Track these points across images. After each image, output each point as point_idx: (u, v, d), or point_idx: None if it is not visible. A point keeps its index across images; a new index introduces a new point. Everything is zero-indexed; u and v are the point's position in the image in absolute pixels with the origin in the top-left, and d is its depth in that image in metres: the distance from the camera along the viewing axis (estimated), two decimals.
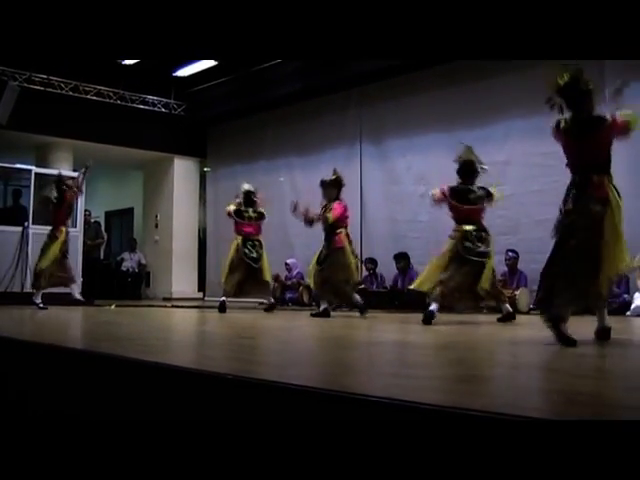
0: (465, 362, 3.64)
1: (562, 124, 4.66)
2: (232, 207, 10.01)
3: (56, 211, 10.45)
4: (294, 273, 12.57)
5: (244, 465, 2.40)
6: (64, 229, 10.38)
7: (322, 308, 8.39)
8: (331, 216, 8.24)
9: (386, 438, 2.04)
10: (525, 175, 10.61)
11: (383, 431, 2.07)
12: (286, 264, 12.76)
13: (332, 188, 8.57)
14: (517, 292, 9.52)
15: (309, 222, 8.52)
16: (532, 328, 6.92)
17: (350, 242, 8.53)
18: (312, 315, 8.34)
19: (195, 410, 2.73)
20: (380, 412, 2.13)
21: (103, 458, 2.95)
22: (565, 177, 10.04)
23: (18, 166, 12.68)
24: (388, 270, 11.80)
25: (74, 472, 3.12)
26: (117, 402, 3.18)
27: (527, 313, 9.43)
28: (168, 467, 2.70)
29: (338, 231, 8.40)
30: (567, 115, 4.66)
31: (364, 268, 11.95)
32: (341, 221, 8.47)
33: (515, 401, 2.27)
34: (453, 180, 11.42)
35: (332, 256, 8.35)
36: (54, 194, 10.31)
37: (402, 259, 11.25)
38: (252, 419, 2.44)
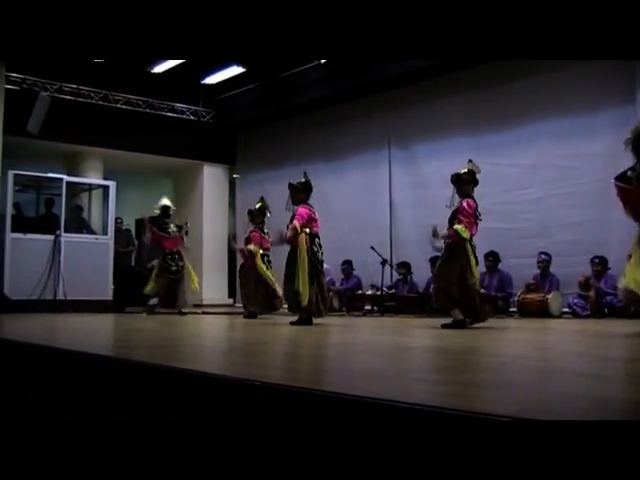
0: (493, 368, 3.62)
1: (629, 173, 4.71)
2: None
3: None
4: (327, 279, 12.52)
5: (276, 470, 2.40)
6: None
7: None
8: (297, 223, 7.97)
9: (412, 444, 2.04)
10: (553, 178, 10.54)
11: (410, 437, 2.06)
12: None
13: (300, 192, 8.33)
14: (549, 296, 9.44)
15: (288, 241, 8.21)
16: (563, 333, 6.88)
17: (310, 243, 8.07)
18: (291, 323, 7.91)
19: (224, 416, 2.74)
20: (405, 418, 2.12)
21: (133, 462, 2.98)
22: (593, 179, 9.95)
23: (50, 175, 12.84)
24: (420, 275, 11.74)
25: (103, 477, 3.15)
26: (147, 408, 3.21)
27: (559, 317, 9.36)
28: (199, 471, 2.71)
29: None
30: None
31: (395, 272, 11.93)
32: (307, 224, 8.12)
33: (546, 407, 2.25)
34: (481, 184, 11.44)
35: (288, 256, 8.13)
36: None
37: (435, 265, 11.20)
38: (283, 426, 2.44)
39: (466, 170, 7.02)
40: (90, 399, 3.67)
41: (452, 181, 7.04)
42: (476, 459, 1.88)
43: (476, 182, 7.18)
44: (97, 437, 3.25)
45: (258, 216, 10.29)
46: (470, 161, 7.19)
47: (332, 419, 2.33)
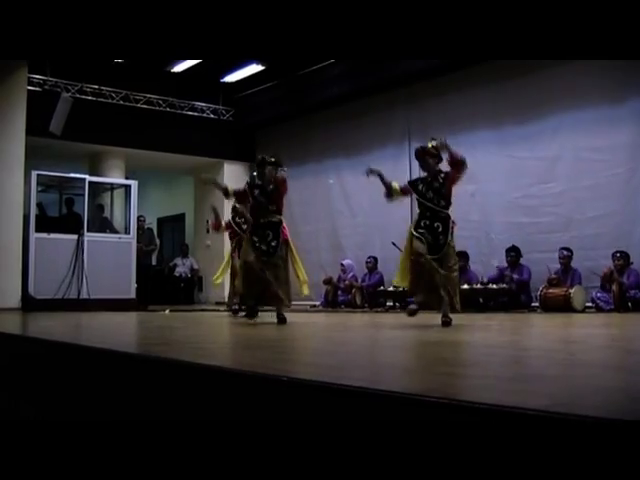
0: (522, 361, 3.61)
1: None
2: None
3: None
4: (349, 275, 12.55)
5: (305, 467, 2.40)
6: None
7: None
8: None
9: (440, 438, 2.03)
10: (576, 171, 10.45)
11: (437, 431, 2.06)
12: (342, 265, 12.75)
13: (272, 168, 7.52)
14: (572, 290, 9.38)
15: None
16: (588, 327, 6.83)
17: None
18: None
19: (247, 411, 2.75)
20: (435, 412, 2.12)
21: (160, 459, 2.99)
22: (616, 172, 9.87)
23: (72, 175, 12.93)
24: None
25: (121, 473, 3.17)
26: (171, 404, 3.22)
27: (582, 311, 9.30)
28: (227, 468, 2.72)
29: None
30: None
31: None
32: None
33: (575, 400, 2.24)
34: (501, 178, 11.38)
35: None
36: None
37: (462, 258, 11.14)
38: (307, 420, 2.44)
39: (431, 145, 6.72)
40: (116, 397, 3.69)
41: (416, 156, 6.71)
42: (510, 454, 1.87)
43: (440, 158, 6.69)
44: (124, 436, 3.27)
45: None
46: (433, 139, 6.94)
47: (358, 415, 2.33)
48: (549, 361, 3.54)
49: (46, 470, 3.76)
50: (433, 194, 6.56)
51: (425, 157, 6.61)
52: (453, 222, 6.55)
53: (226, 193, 7.92)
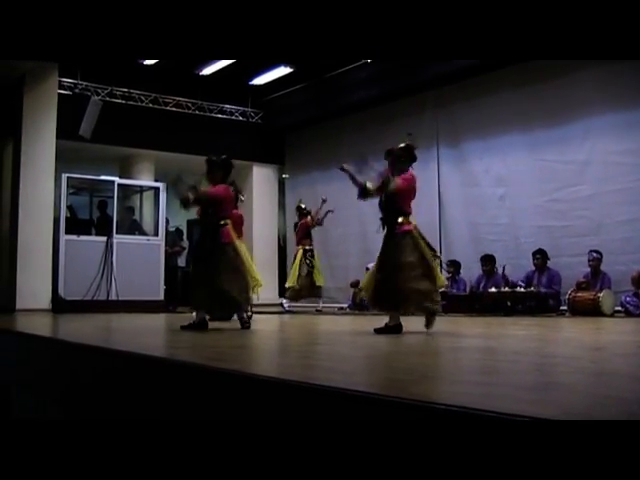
0: (542, 369, 3.57)
1: None
2: None
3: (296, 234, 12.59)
4: None
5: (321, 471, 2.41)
6: (300, 248, 12.32)
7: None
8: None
9: (454, 447, 2.02)
10: (606, 174, 10.33)
11: (451, 440, 2.05)
12: (367, 269, 12.69)
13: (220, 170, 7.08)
14: (600, 294, 9.27)
15: None
16: (615, 333, 6.75)
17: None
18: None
19: (264, 415, 2.76)
20: (448, 420, 2.10)
21: (179, 461, 3.01)
22: None
23: (102, 178, 13.06)
24: (469, 273, 11.63)
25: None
26: (189, 407, 3.25)
27: (611, 316, 9.18)
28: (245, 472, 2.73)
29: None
30: None
31: (444, 271, 11.84)
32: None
33: (587, 410, 2.21)
34: (530, 181, 11.28)
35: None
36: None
37: (489, 262, 11.08)
38: (320, 425, 2.45)
39: (402, 145, 6.35)
40: (138, 397, 3.73)
41: (385, 157, 6.39)
42: (512, 462, 1.85)
43: (413, 158, 6.38)
44: (150, 436, 3.30)
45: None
46: (409, 134, 6.70)
47: (366, 419, 2.33)
48: (569, 369, 3.50)
49: (70, 470, 3.80)
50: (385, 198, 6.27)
51: (390, 158, 6.35)
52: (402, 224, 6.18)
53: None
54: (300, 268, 12.17)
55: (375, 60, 12.68)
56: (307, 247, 12.35)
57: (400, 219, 6.14)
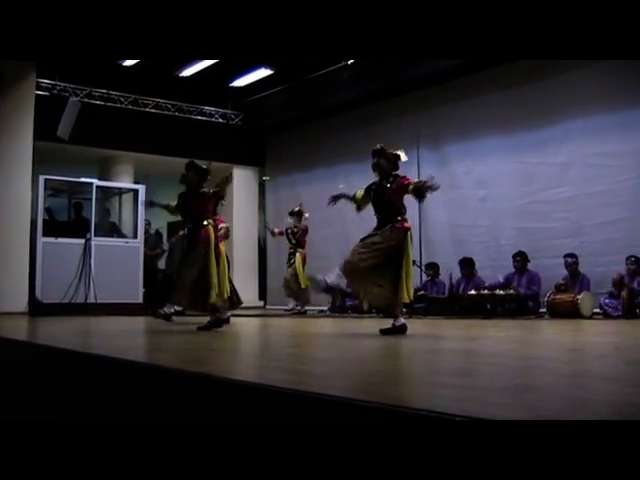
0: (517, 371, 3.54)
1: None
2: None
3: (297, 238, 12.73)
4: None
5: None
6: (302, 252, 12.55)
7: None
8: None
9: (422, 449, 1.99)
10: (586, 176, 10.37)
11: (420, 442, 2.01)
12: None
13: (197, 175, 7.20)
14: (579, 296, 9.28)
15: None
16: (593, 334, 6.74)
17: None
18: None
19: (237, 416, 2.72)
20: (417, 424, 2.07)
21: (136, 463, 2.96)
22: (626, 177, 9.78)
23: (80, 179, 12.96)
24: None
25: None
26: (164, 410, 3.20)
27: (590, 318, 9.20)
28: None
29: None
30: None
31: (424, 274, 11.82)
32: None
33: (558, 412, 2.18)
34: (511, 183, 11.30)
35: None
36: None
37: (467, 265, 11.05)
38: (293, 428, 2.41)
39: (394, 152, 6.41)
40: (115, 400, 3.67)
41: (372, 154, 6.45)
42: (483, 464, 1.82)
43: (396, 166, 6.42)
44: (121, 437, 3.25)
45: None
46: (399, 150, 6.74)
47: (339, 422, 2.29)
48: (545, 371, 3.47)
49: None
50: (376, 199, 6.38)
51: (379, 158, 6.40)
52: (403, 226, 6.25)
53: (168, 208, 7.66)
54: (303, 272, 12.27)
55: (356, 61, 12.66)
56: (304, 253, 12.59)
57: (399, 217, 6.24)
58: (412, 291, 6.44)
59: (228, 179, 7.19)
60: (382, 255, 6.08)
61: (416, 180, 6.39)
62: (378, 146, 6.46)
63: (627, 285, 9.01)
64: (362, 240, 6.27)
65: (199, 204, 7.17)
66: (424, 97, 12.85)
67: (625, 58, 8.45)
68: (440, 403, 2.35)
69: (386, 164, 6.36)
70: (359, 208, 6.69)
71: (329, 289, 6.61)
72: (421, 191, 6.13)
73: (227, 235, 10.94)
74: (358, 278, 6.24)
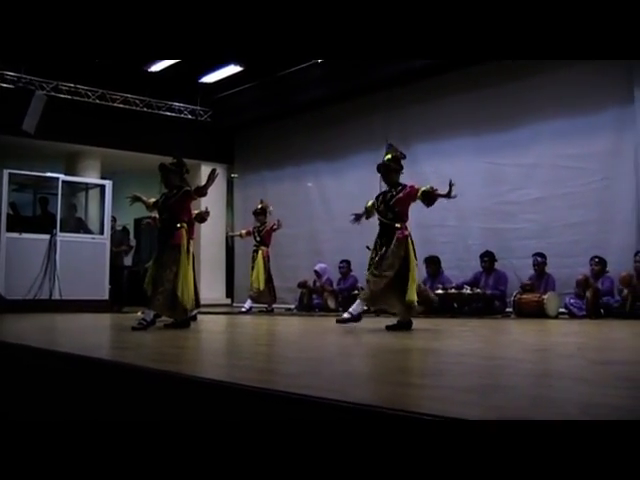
0: (484, 371, 3.56)
1: None
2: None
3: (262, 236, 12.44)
4: (323, 279, 12.48)
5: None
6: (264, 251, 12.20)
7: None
8: None
9: (387, 449, 1.99)
10: (554, 178, 10.45)
11: (384, 442, 2.01)
12: (315, 272, 12.63)
13: (173, 174, 7.37)
14: (545, 296, 9.36)
15: None
16: (558, 334, 6.81)
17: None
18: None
19: (202, 416, 2.70)
20: (382, 423, 2.07)
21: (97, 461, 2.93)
22: (593, 180, 9.86)
23: (46, 174, 12.79)
24: (419, 275, 11.64)
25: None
26: (129, 409, 3.17)
27: (556, 317, 9.29)
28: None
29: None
30: None
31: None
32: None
33: (526, 411, 2.19)
34: (479, 184, 11.37)
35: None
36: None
37: (433, 263, 11.07)
38: (261, 426, 2.40)
39: (390, 157, 6.84)
40: (85, 400, 3.63)
41: (379, 170, 6.89)
42: (448, 463, 1.82)
43: (401, 167, 6.94)
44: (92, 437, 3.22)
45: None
46: (391, 145, 7.03)
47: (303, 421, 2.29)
48: (511, 370, 3.50)
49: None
50: (384, 206, 6.76)
51: (389, 172, 6.82)
52: (403, 235, 6.64)
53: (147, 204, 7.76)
54: (265, 271, 12.10)
55: (326, 59, 12.63)
56: (267, 251, 12.32)
57: (398, 225, 6.69)
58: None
59: (214, 173, 6.99)
60: (393, 270, 6.55)
61: (427, 186, 6.76)
62: (380, 163, 6.91)
63: (592, 285, 9.11)
64: (372, 259, 6.72)
65: (181, 203, 7.25)
66: (393, 96, 12.86)
67: (597, 58, 8.56)
68: (407, 402, 2.35)
69: (394, 174, 6.84)
70: (367, 216, 7.18)
71: (359, 318, 6.75)
72: (430, 197, 6.47)
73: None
74: (381, 301, 6.74)
